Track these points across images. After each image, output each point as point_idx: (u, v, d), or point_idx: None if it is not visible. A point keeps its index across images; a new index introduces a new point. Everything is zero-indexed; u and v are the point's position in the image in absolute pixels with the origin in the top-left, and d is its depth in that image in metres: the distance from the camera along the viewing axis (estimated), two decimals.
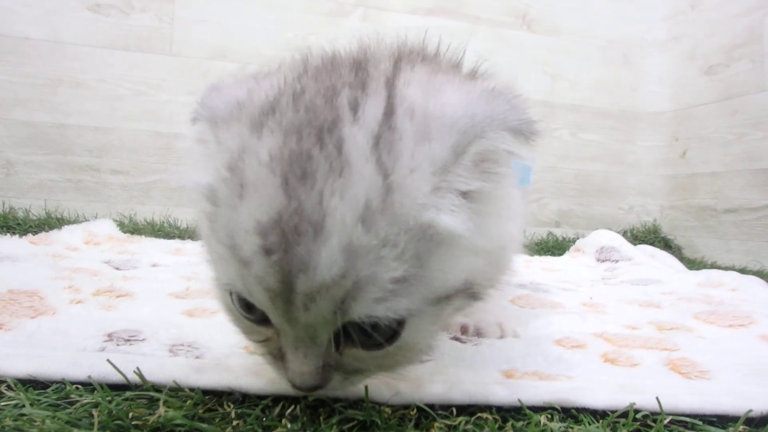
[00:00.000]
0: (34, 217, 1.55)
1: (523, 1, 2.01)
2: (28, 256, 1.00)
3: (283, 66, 0.44)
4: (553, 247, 1.83)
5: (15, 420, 0.40)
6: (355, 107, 0.35)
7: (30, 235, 1.23)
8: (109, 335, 0.57)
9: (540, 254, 1.67)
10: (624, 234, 1.85)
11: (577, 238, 1.65)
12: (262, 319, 0.39)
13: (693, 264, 1.59)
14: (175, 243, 1.39)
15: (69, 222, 1.49)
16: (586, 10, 2.06)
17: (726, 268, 1.34)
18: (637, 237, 1.94)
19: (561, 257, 1.54)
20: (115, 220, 1.55)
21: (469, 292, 0.39)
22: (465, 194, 0.35)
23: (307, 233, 0.32)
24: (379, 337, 0.36)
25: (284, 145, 0.34)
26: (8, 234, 1.26)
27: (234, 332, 0.60)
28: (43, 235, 1.22)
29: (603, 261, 1.35)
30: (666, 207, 2.03)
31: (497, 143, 0.35)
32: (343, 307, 0.33)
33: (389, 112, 0.34)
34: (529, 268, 1.32)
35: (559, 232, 2.00)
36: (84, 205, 1.68)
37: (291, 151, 0.33)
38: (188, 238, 1.50)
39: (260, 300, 0.35)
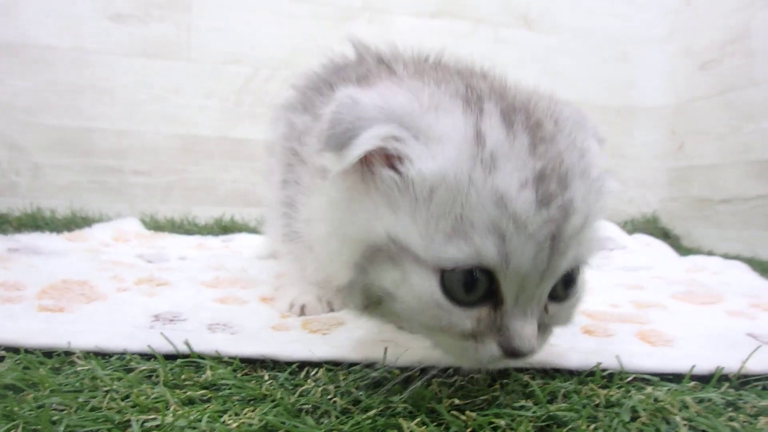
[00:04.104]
0: (61, 217, 1.64)
1: (523, 2, 2.07)
2: (69, 251, 1.10)
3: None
4: None
5: (92, 380, 0.49)
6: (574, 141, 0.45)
7: (66, 232, 1.33)
8: (156, 316, 0.66)
9: None
10: (624, 225, 1.91)
11: None
12: (478, 300, 0.42)
13: (690, 252, 1.65)
14: (197, 239, 1.48)
15: (94, 221, 1.58)
16: (584, 9, 2.11)
17: (721, 256, 1.41)
18: (637, 228, 2.00)
19: None
20: (141, 220, 1.65)
21: None
22: None
23: (572, 182, 0.41)
24: (572, 288, 0.45)
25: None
26: (37, 233, 1.36)
27: (266, 316, 0.69)
28: (77, 232, 1.32)
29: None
30: (665, 198, 2.09)
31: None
32: (578, 251, 0.42)
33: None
34: None
35: None
36: (108, 204, 1.77)
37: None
38: (208, 234, 1.60)
39: (520, 260, 0.40)
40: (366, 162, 0.43)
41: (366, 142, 0.41)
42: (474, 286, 0.41)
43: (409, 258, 0.41)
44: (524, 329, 0.42)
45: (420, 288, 0.41)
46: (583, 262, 0.45)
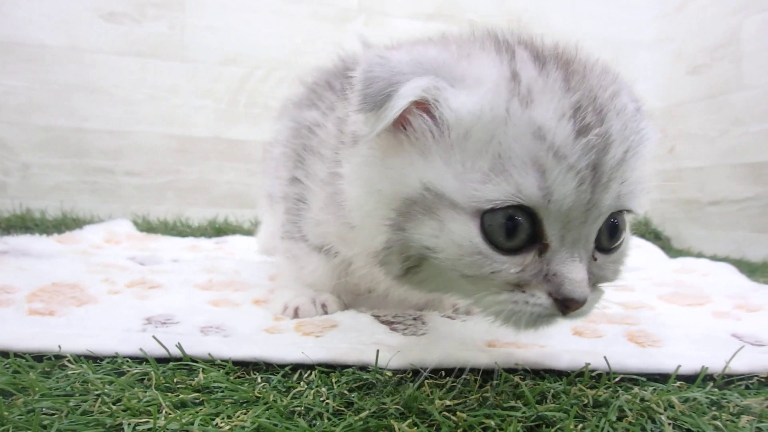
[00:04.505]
0: (51, 218, 1.63)
1: (518, 5, 2.09)
2: (59, 253, 1.09)
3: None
4: None
5: (83, 383, 0.49)
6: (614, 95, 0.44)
7: (56, 234, 1.32)
8: (148, 319, 0.66)
9: None
10: None
11: None
12: (522, 246, 0.41)
13: (680, 254, 1.66)
14: (190, 240, 1.48)
15: (84, 222, 1.57)
16: (577, 13, 2.13)
17: (710, 257, 1.42)
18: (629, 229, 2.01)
19: None
20: (133, 221, 1.64)
21: None
22: None
23: (608, 115, 0.41)
24: (617, 237, 0.44)
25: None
26: (27, 234, 1.35)
27: (259, 318, 0.69)
28: (68, 234, 1.31)
29: None
30: (656, 200, 2.10)
31: None
32: (621, 189, 0.41)
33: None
34: None
35: None
36: (99, 205, 1.76)
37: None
38: (201, 236, 1.59)
39: (562, 193, 0.39)
40: (398, 117, 0.43)
41: (406, 96, 0.41)
42: (516, 229, 0.40)
43: (446, 205, 0.41)
44: (573, 273, 0.40)
45: (459, 235, 0.40)
46: (627, 206, 0.43)
